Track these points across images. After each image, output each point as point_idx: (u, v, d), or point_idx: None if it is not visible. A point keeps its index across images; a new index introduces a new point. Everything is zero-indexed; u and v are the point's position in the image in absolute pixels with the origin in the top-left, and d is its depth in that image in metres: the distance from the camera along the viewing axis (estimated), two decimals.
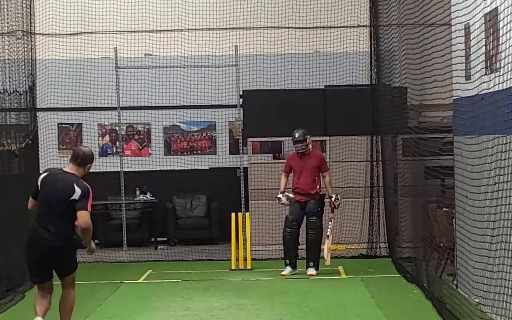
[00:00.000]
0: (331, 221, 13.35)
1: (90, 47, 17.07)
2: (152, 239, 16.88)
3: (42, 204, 8.52)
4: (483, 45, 9.15)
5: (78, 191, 8.35)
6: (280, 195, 13.27)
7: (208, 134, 17.55)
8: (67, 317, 8.58)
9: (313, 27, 16.81)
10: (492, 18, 8.87)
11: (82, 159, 8.54)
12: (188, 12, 16.90)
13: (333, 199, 13.21)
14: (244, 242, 14.22)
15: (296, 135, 13.13)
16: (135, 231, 16.67)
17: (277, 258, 14.46)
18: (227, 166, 17.35)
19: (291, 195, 13.21)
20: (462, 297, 9.77)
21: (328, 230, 13.31)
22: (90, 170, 8.73)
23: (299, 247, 13.27)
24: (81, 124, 17.45)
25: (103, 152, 17.47)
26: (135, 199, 17.01)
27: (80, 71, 17.12)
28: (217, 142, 17.53)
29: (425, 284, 11.15)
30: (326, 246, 13.30)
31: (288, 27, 16.99)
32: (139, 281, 13.24)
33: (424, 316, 10.05)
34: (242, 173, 15.69)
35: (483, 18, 9.12)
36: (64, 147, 17.43)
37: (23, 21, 13.14)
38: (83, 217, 8.28)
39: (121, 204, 16.27)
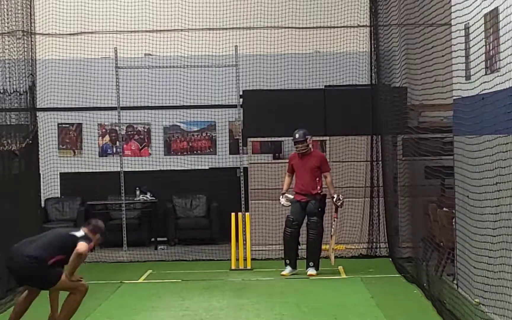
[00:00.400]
0: (334, 221, 13.35)
1: (90, 47, 17.06)
2: (152, 239, 16.87)
3: (40, 234, 9.32)
4: (483, 45, 9.15)
5: (82, 232, 8.99)
6: (280, 197, 13.32)
7: (208, 134, 17.54)
8: (62, 313, 9.00)
9: (313, 27, 16.80)
10: (492, 18, 8.87)
11: (93, 226, 9.15)
12: (188, 12, 16.89)
13: (334, 199, 13.21)
14: (244, 242, 14.21)
15: (297, 135, 13.13)
16: (135, 231, 16.66)
17: (277, 258, 14.45)
18: (227, 166, 17.33)
19: (291, 196, 13.21)
20: (462, 297, 9.77)
21: (332, 230, 13.32)
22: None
23: (300, 247, 13.27)
24: (81, 124, 17.44)
25: (103, 152, 17.45)
26: (135, 199, 16.99)
27: (80, 71, 17.11)
28: (217, 142, 17.52)
29: (425, 284, 11.14)
30: (330, 246, 13.31)
31: (288, 27, 16.97)
32: (139, 281, 13.24)
33: (424, 316, 10.05)
34: (242, 173, 15.70)
35: (483, 18, 9.12)
36: (64, 147, 17.42)
37: (23, 21, 13.12)
38: (83, 245, 8.74)
39: (121, 204, 16.27)
